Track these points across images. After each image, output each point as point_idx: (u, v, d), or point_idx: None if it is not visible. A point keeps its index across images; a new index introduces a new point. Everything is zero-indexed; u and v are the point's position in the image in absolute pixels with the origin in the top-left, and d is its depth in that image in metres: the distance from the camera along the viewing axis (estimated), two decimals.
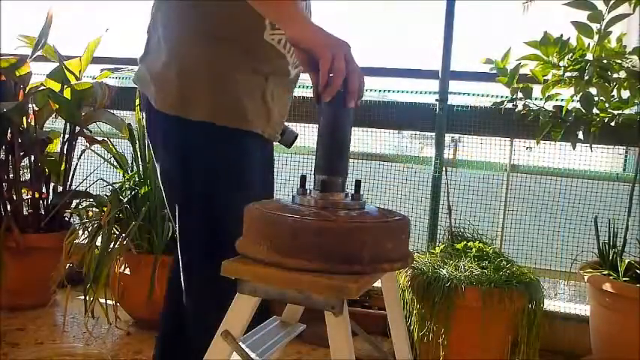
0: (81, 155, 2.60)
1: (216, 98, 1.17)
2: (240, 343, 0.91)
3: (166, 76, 1.18)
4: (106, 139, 2.45)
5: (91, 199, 2.43)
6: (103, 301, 2.13)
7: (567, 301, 2.38)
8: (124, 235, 2.16)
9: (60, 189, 2.54)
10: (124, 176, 2.35)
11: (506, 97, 2.16)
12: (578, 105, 2.03)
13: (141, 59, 1.28)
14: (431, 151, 2.36)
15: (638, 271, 1.93)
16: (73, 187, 2.56)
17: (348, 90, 0.93)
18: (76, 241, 2.25)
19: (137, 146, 2.27)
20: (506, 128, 2.25)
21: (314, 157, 0.96)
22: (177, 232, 1.26)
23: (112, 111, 2.53)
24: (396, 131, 2.47)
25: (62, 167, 2.52)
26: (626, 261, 1.94)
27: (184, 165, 1.21)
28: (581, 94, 1.98)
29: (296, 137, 1.38)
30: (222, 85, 1.17)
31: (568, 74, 2.03)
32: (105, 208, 2.18)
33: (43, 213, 2.51)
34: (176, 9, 1.20)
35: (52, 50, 2.54)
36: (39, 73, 2.53)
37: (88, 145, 2.50)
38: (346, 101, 0.94)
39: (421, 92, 2.37)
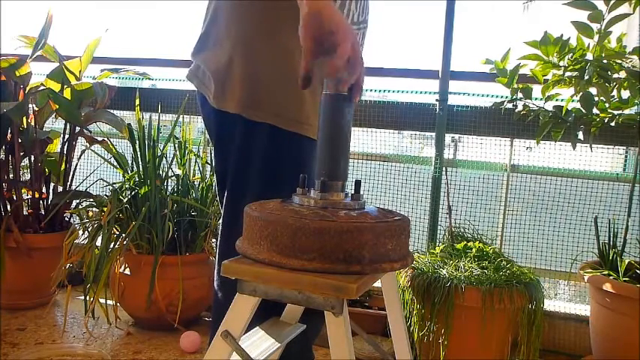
0: (81, 155, 2.61)
1: (280, 100, 1.13)
2: (240, 343, 0.90)
3: (229, 74, 1.14)
4: (106, 139, 2.45)
5: (91, 199, 2.43)
6: (103, 301, 2.13)
7: (567, 301, 2.38)
8: (124, 235, 2.16)
9: (60, 189, 2.54)
10: (124, 176, 2.35)
11: (506, 97, 2.16)
12: (578, 105, 2.03)
13: (195, 55, 1.23)
14: (431, 151, 2.36)
15: (638, 271, 1.93)
16: (73, 187, 2.56)
17: (357, 84, 0.91)
18: (76, 241, 2.26)
19: (137, 146, 2.27)
20: (506, 128, 2.25)
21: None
22: (220, 229, 1.22)
23: (112, 111, 2.53)
24: (396, 131, 2.47)
25: (62, 167, 2.52)
26: (626, 261, 1.94)
27: (241, 165, 1.17)
28: (581, 94, 1.98)
29: None
30: (288, 86, 1.13)
31: (568, 74, 2.03)
32: (105, 208, 2.18)
33: (43, 213, 2.51)
34: (242, 4, 1.15)
35: (52, 50, 2.54)
36: (39, 73, 2.53)
37: (88, 145, 2.50)
38: (352, 95, 0.91)
39: (421, 92, 2.37)
